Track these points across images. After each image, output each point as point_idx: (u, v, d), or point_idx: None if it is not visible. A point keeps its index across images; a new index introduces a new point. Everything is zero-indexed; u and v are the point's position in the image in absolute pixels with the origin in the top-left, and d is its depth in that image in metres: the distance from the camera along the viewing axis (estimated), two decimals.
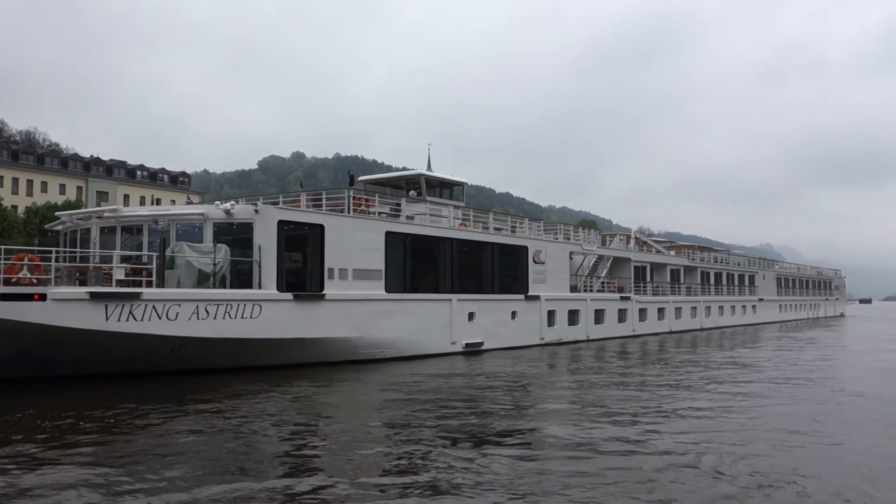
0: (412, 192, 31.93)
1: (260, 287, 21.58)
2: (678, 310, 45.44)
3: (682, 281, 47.94)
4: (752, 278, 60.34)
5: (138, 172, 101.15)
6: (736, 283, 57.27)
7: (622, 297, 39.11)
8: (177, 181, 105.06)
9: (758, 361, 25.67)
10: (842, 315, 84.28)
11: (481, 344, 28.90)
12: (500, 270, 31.03)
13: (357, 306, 24.06)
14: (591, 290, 37.10)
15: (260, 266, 21.63)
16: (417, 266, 27.20)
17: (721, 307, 52.14)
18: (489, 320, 29.50)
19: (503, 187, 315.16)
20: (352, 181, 24.96)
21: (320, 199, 25.22)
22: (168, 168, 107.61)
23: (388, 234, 25.57)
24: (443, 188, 33.30)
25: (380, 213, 27.21)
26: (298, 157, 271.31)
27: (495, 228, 32.12)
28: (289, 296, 22.00)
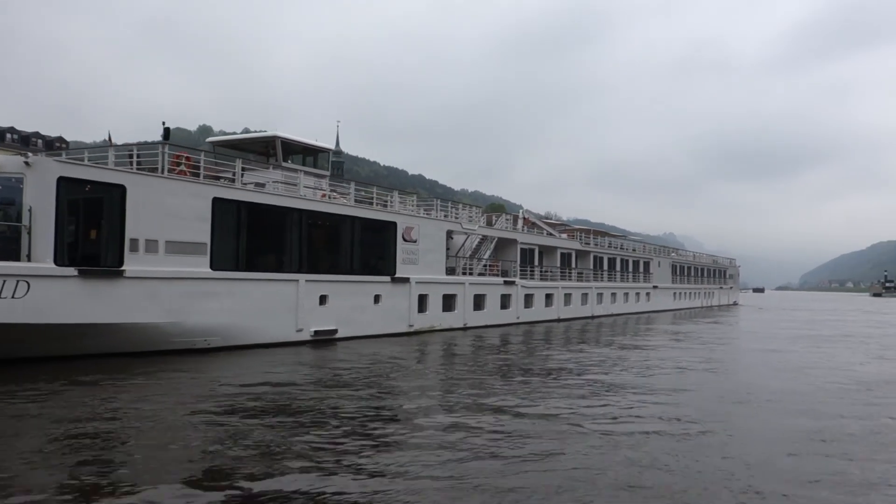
0: (272, 159, 27.96)
1: (29, 259, 17.21)
2: (568, 296, 43.13)
3: (573, 266, 45.73)
4: (646, 265, 59.06)
5: (8, 136, 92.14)
6: (630, 269, 55.77)
7: (506, 282, 36.29)
8: (52, 146, 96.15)
9: (627, 368, 23.06)
10: (735, 304, 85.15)
11: (335, 331, 25.29)
12: (363, 248, 27.42)
13: (170, 286, 19.95)
14: (470, 273, 34.01)
15: (30, 233, 17.23)
16: (256, 240, 23.23)
17: (613, 294, 50.40)
18: (345, 304, 25.89)
19: (417, 169, 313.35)
20: (166, 134, 20.66)
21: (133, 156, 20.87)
22: (44, 132, 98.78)
23: (216, 200, 21.47)
24: (306, 155, 29.30)
25: (217, 176, 23.13)
26: (205, 130, 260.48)
27: (358, 201, 28.43)
28: (71, 271, 17.70)
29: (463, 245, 35.25)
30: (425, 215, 32.24)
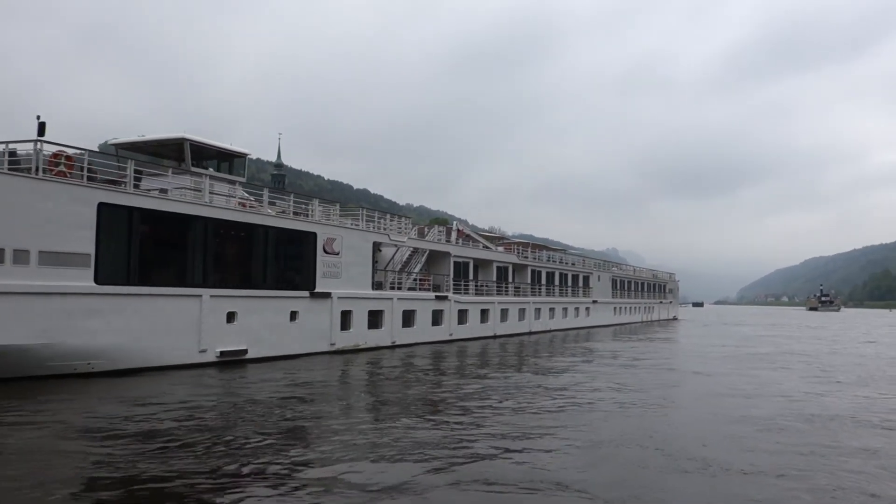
0: (183, 164, 25.75)
1: None
2: (504, 312, 41.79)
3: (510, 280, 44.43)
4: (586, 279, 58.36)
5: None
6: (569, 283, 54.91)
7: (438, 297, 34.69)
8: None
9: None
10: (675, 318, 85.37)
11: (244, 352, 23.20)
12: (278, 261, 25.44)
13: (44, 302, 17.65)
14: (399, 288, 32.28)
15: None
16: (152, 251, 21.06)
17: (552, 309, 49.33)
18: (257, 322, 23.84)
19: (362, 184, 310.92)
20: (41, 130, 18.25)
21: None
22: None
23: (102, 206, 19.22)
24: (221, 160, 27.19)
25: (115, 181, 20.90)
26: None
27: (281, 210, 26.48)
28: None
29: (392, 258, 33.57)
30: (351, 226, 30.44)
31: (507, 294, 43.05)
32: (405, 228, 34.21)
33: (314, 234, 26.92)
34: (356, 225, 30.90)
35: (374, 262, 31.64)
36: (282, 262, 25.65)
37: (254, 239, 24.51)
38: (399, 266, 33.76)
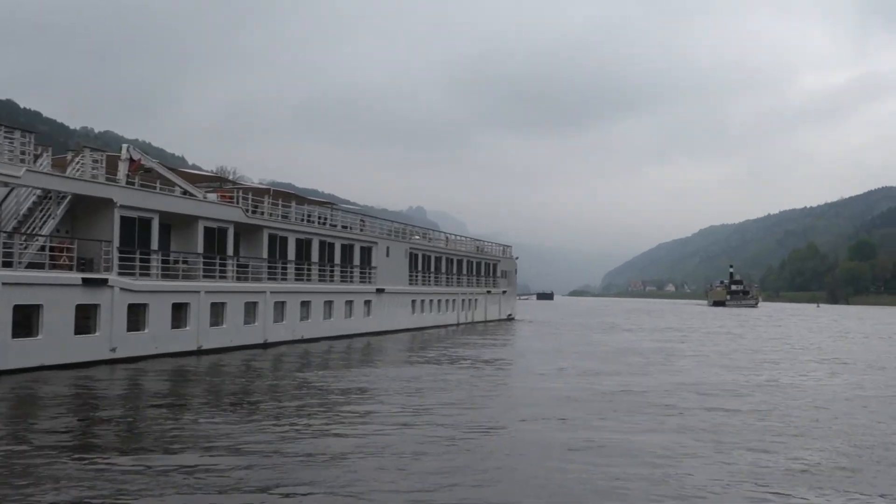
0: None
1: None
2: (218, 308, 40.03)
3: (231, 252, 42.65)
4: (367, 254, 57.92)
5: None
6: (337, 260, 54.02)
7: (88, 281, 32.02)
8: None
9: None
10: (510, 318, 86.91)
11: None
12: None
13: None
14: (9, 265, 29.37)
15: None
16: None
17: (305, 304, 48.32)
18: None
19: (5, 93, 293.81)
20: None
21: None
22: None
23: None
24: None
25: None
26: None
27: None
28: None
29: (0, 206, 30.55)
30: None
31: (224, 277, 41.28)
32: (22, 153, 30.72)
33: None
34: None
35: None
36: None
37: None
38: (12, 223, 30.67)
